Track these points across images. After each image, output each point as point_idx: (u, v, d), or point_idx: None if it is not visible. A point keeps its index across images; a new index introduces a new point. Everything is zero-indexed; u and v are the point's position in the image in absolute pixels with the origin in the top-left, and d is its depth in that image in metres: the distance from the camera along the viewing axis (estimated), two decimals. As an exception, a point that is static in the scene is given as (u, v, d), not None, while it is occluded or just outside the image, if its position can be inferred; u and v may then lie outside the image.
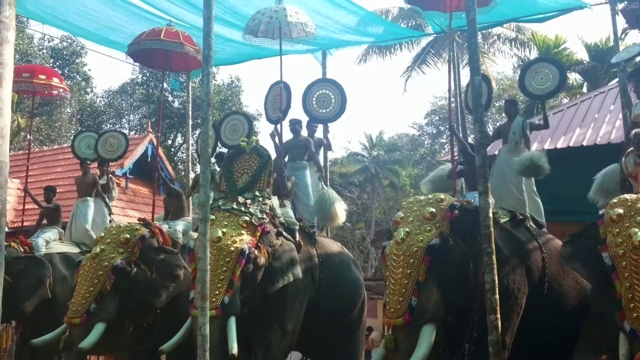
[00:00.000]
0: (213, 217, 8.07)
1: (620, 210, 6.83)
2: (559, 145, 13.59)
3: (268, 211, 8.66)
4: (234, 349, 7.60)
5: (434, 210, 7.47)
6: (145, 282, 9.06)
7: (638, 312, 6.31)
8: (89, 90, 35.07)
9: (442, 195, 7.84)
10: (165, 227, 10.17)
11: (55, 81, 12.73)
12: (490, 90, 9.60)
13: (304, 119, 10.65)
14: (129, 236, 9.26)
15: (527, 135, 9.12)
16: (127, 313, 9.00)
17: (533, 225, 8.79)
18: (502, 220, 8.21)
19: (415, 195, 8.22)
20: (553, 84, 9.28)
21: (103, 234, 9.45)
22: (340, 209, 9.64)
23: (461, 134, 10.48)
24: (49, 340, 9.15)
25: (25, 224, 13.36)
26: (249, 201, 8.62)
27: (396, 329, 6.91)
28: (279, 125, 10.37)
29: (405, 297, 6.93)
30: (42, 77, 12.46)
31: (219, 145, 10.50)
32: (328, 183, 12.01)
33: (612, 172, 8.50)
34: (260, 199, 8.72)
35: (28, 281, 10.25)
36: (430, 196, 7.85)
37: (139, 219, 10.20)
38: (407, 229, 7.33)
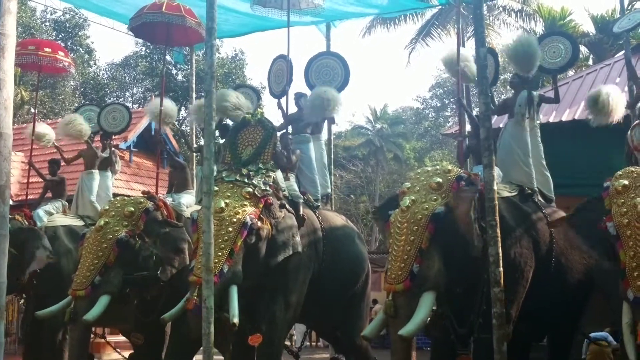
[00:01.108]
0: (216, 188, 8.05)
1: (626, 182, 6.86)
2: (564, 118, 13.53)
3: (272, 183, 8.64)
4: (235, 317, 7.60)
5: (440, 180, 7.45)
6: (149, 255, 9.08)
7: None
8: (92, 63, 35.03)
9: (449, 167, 7.83)
10: (169, 200, 10.17)
11: (61, 55, 12.71)
12: (496, 64, 9.51)
13: (309, 92, 10.59)
14: (133, 209, 9.26)
15: (534, 107, 9.03)
16: (131, 286, 9.04)
17: (541, 199, 8.77)
18: (510, 195, 8.20)
19: (419, 169, 8.18)
20: (565, 58, 9.21)
21: (107, 207, 9.46)
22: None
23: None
24: (54, 312, 9.21)
25: (30, 197, 13.40)
26: (252, 173, 8.59)
27: (396, 295, 6.91)
28: (283, 100, 10.34)
29: (407, 264, 6.93)
30: (47, 50, 12.45)
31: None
32: (332, 157, 12.02)
33: None
34: (264, 171, 8.69)
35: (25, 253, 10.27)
36: (437, 167, 7.86)
37: (143, 192, 10.20)
38: (413, 198, 7.32)
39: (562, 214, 8.88)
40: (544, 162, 9.09)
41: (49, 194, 12.06)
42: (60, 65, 12.69)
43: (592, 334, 10.57)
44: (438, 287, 6.94)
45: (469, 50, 12.20)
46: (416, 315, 6.75)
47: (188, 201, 10.56)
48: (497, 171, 7.53)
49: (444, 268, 6.99)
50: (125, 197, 9.94)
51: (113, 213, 9.26)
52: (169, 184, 11.30)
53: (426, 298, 6.85)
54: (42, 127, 12.92)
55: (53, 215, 11.35)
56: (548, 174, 9.10)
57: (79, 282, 8.79)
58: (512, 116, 9.05)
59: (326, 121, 11.05)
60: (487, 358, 7.01)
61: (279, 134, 9.39)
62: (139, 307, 9.31)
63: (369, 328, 7.44)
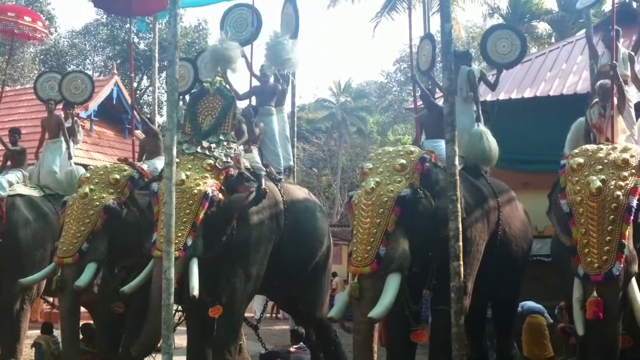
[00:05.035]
0: (177, 160, 8.00)
1: (581, 160, 7.01)
2: (525, 95, 13.67)
3: (233, 155, 8.62)
4: (195, 290, 7.66)
5: (404, 161, 7.47)
6: (135, 222, 9.02)
7: (592, 257, 6.54)
8: (52, 30, 34.37)
9: (412, 148, 7.84)
10: (145, 167, 10.04)
11: (39, 25, 12.62)
12: (433, 51, 9.53)
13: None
14: (118, 177, 9.23)
15: (475, 85, 9.08)
16: (116, 253, 9.00)
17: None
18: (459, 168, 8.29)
19: (381, 143, 8.22)
20: (513, 55, 9.26)
21: (88, 175, 9.39)
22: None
23: (430, 82, 10.39)
24: (38, 280, 9.27)
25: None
26: (213, 145, 8.58)
27: (362, 278, 6.95)
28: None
29: (373, 246, 6.97)
30: (27, 19, 12.33)
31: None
32: (295, 129, 11.97)
33: (579, 124, 8.57)
34: (225, 142, 8.68)
35: None
36: (399, 148, 7.89)
37: (119, 159, 10.13)
38: (377, 179, 7.33)
39: (504, 185, 9.04)
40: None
41: (9, 163, 11.83)
42: (39, 35, 12.63)
43: (529, 305, 10.99)
44: (403, 269, 7.01)
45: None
46: (384, 297, 6.81)
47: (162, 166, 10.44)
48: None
49: (407, 249, 7.06)
50: (107, 165, 9.84)
51: (97, 180, 9.19)
52: (141, 151, 11.05)
53: (392, 280, 6.92)
54: None
55: (13, 185, 11.15)
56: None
57: (65, 249, 8.72)
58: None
59: (289, 88, 11.01)
60: (446, 330, 7.13)
61: (239, 103, 9.37)
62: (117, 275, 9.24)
63: (334, 310, 7.43)
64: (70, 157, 11.70)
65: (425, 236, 7.23)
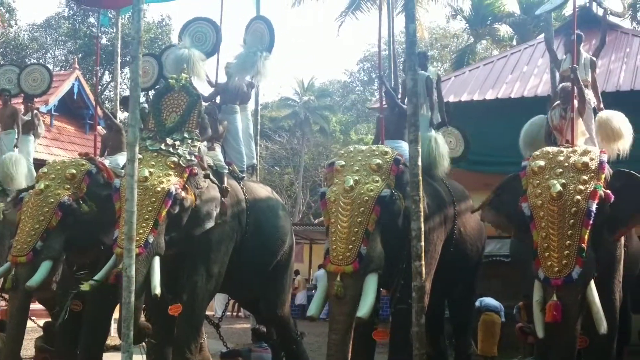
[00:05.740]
0: (140, 156, 7.92)
1: (542, 163, 7.08)
2: (487, 97, 13.84)
3: (197, 153, 8.57)
4: (157, 288, 7.59)
5: (380, 162, 7.50)
6: (92, 219, 8.84)
7: (552, 261, 6.61)
8: (12, 23, 33.88)
9: (386, 148, 7.85)
10: (106, 162, 9.89)
11: None
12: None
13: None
14: (75, 171, 8.93)
15: (431, 90, 9.20)
16: (72, 250, 8.82)
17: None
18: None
19: (343, 142, 8.22)
20: (457, 151, 9.50)
21: (46, 170, 9.09)
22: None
23: (393, 83, 10.46)
24: None
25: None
26: (177, 142, 8.49)
27: (345, 276, 6.94)
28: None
29: (355, 245, 6.98)
30: None
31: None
32: (259, 127, 11.93)
33: (536, 122, 8.70)
34: (189, 140, 8.59)
35: None
36: (373, 147, 7.89)
37: (80, 154, 9.93)
38: (356, 178, 7.33)
39: (459, 186, 9.17)
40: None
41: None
42: None
43: (486, 302, 11.13)
44: (380, 268, 7.07)
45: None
46: (367, 297, 6.87)
47: (124, 162, 10.28)
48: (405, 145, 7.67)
49: (382, 249, 7.12)
50: (65, 159, 9.62)
51: (53, 176, 8.91)
52: (102, 147, 10.87)
53: (371, 279, 6.97)
54: None
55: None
56: None
57: (19, 248, 8.47)
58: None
59: (253, 91, 10.96)
60: (406, 329, 7.19)
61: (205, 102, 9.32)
62: (76, 273, 9.10)
63: (313, 308, 7.38)
64: (15, 146, 11.46)
65: (395, 236, 7.29)
